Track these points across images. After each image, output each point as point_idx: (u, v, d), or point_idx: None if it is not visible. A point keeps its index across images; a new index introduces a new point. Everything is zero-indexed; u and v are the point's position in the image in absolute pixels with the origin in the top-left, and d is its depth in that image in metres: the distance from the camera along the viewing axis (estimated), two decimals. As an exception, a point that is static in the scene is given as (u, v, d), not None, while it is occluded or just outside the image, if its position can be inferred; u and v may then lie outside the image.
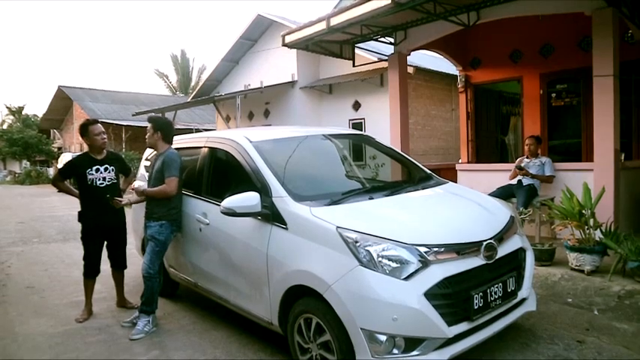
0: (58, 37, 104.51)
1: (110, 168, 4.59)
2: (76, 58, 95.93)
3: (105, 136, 4.60)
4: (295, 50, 11.88)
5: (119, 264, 4.81)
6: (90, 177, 4.49)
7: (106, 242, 4.70)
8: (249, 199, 3.29)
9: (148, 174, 4.61)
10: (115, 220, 4.62)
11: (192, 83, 36.05)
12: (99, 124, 4.59)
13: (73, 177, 4.67)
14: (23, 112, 39.62)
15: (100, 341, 3.96)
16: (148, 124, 4.41)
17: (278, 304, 3.21)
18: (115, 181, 4.66)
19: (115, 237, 4.70)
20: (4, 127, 37.25)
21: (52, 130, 36.14)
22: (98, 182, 4.52)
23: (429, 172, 4.33)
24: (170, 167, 4.15)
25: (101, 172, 4.53)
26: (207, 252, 4.08)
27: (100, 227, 4.56)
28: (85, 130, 4.52)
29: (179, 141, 4.89)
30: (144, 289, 4.19)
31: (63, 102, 29.63)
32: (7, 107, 39.53)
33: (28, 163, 37.87)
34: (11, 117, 38.80)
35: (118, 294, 4.90)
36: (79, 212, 4.62)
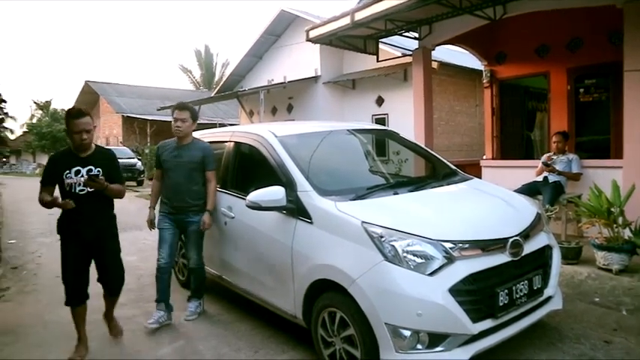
0: (85, 33, 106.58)
1: (95, 170, 3.45)
2: (102, 53, 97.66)
3: (86, 137, 3.42)
4: (318, 45, 11.88)
5: (109, 288, 3.75)
6: (68, 181, 3.42)
7: (93, 260, 3.65)
8: (274, 193, 3.33)
9: (168, 161, 4.22)
10: (100, 230, 3.58)
11: (216, 78, 36.30)
12: (85, 119, 3.42)
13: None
14: (51, 107, 40.45)
15: (126, 330, 4.04)
16: (182, 113, 4.15)
17: (302, 298, 3.24)
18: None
19: (101, 253, 3.62)
20: (33, 121, 38.08)
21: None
22: (77, 188, 3.43)
23: (454, 167, 4.30)
24: (211, 160, 4.23)
25: (82, 176, 3.42)
26: (232, 245, 4.13)
27: (80, 240, 3.51)
28: (66, 121, 3.49)
29: (204, 135, 4.96)
30: (194, 279, 4.34)
31: (89, 96, 30.18)
32: (35, 102, 40.41)
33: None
34: (40, 112, 39.67)
35: (105, 317, 3.94)
36: (58, 220, 3.59)
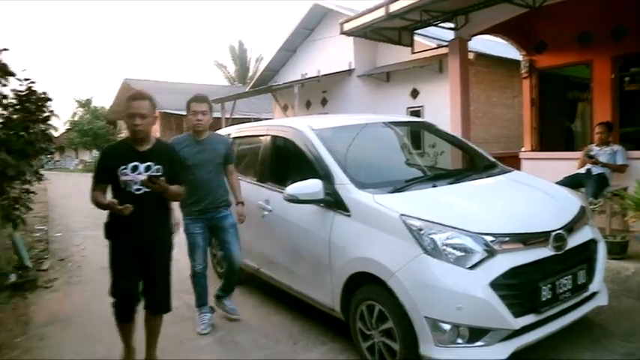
0: (123, 32, 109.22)
1: (155, 167, 3.05)
2: (141, 52, 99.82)
3: (139, 123, 2.99)
4: (352, 38, 11.82)
5: (155, 304, 3.19)
6: (123, 178, 2.99)
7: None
8: (311, 186, 3.34)
9: (191, 158, 3.85)
10: (155, 236, 3.16)
11: (250, 73, 36.60)
12: (142, 102, 3.02)
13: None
14: (91, 105, 41.63)
15: (167, 322, 4.13)
16: (202, 105, 3.89)
17: (340, 291, 3.25)
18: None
19: (152, 263, 3.14)
20: (75, 119, 39.31)
21: (118, 121, 37.86)
22: (134, 187, 3.01)
23: (493, 159, 4.22)
24: (233, 153, 4.20)
25: (139, 173, 3.02)
26: (270, 238, 4.17)
27: (134, 247, 3.08)
28: (125, 106, 3.08)
29: (240, 129, 5.02)
30: (232, 275, 4.15)
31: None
32: (77, 100, 41.66)
33: (97, 152, 39.89)
34: (81, 109, 40.89)
35: (147, 348, 3.31)
36: (106, 223, 3.15)
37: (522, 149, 9.29)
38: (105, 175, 3.05)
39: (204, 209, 3.96)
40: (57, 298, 5.04)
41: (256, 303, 4.55)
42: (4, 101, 5.65)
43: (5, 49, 5.24)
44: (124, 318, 3.14)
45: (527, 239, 2.85)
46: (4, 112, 5.74)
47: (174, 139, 4.08)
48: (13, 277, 5.27)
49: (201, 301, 4.09)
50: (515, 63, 10.78)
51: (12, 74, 5.45)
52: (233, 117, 16.91)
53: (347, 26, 8.09)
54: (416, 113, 12.82)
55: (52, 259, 6.66)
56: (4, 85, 5.50)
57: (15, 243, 6.12)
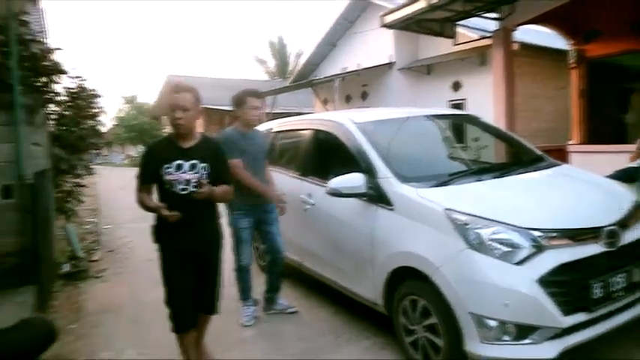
0: (167, 29, 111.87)
1: (200, 166, 2.83)
2: (183, 48, 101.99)
3: (181, 117, 2.79)
4: (392, 31, 11.69)
5: (202, 306, 3.06)
6: (167, 177, 2.79)
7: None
8: (354, 180, 3.33)
9: (248, 151, 3.92)
10: (205, 238, 3.00)
11: (290, 68, 36.81)
12: (184, 94, 2.81)
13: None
14: (136, 101, 42.85)
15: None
16: (259, 100, 3.99)
17: (383, 285, 3.24)
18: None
19: (202, 266, 3.00)
20: (121, 115, 40.57)
21: (162, 117, 38.85)
22: (179, 187, 2.80)
23: (540, 153, 4.10)
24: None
25: (185, 171, 2.80)
26: (312, 232, 4.19)
27: (183, 252, 2.90)
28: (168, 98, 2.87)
29: (282, 124, 5.06)
30: (275, 267, 4.17)
31: (172, 90, 31.52)
32: (124, 97, 42.98)
33: (143, 147, 41.05)
34: (127, 105, 42.15)
35: (195, 346, 3.13)
36: (153, 227, 2.97)
37: (570, 142, 8.98)
38: (149, 174, 2.86)
39: (255, 203, 3.99)
40: (107, 287, 5.23)
41: (299, 296, 4.60)
42: (57, 98, 5.89)
43: (59, 49, 5.46)
44: (180, 328, 2.95)
45: (576, 235, 2.76)
46: (58, 109, 6.00)
47: (225, 133, 4.11)
48: (66, 267, 5.52)
49: (245, 295, 4.14)
50: (561, 53, 10.42)
51: (64, 72, 5.68)
52: (274, 112, 17.06)
53: (388, 18, 8.03)
54: (458, 106, 12.60)
55: (101, 250, 6.92)
56: (57, 83, 5.74)
57: (68, 234, 6.40)
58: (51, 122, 5.90)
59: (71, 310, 4.50)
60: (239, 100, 3.96)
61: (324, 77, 14.85)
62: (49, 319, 2.99)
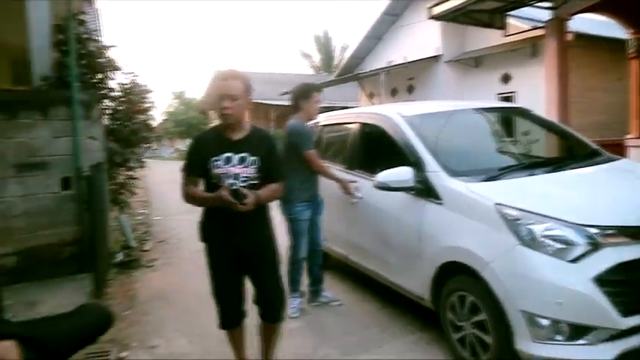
0: (214, 25, 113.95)
1: (251, 159, 2.64)
2: (231, 44, 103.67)
3: (228, 106, 2.59)
4: (439, 23, 11.49)
5: (265, 314, 2.86)
6: (215, 170, 2.61)
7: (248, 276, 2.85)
8: (402, 173, 3.31)
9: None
10: (256, 237, 2.75)
11: (335, 62, 36.83)
12: (231, 82, 2.61)
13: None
14: (184, 96, 43.97)
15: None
16: (319, 94, 4.16)
17: (430, 280, 3.20)
18: (257, 182, 2.65)
19: (257, 268, 2.79)
20: (171, 110, 41.75)
21: (209, 111, 39.72)
22: (227, 181, 2.60)
23: (596, 147, 3.94)
24: None
25: (234, 164, 2.62)
26: (359, 226, 4.18)
27: (232, 251, 2.73)
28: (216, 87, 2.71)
29: (330, 117, 5.07)
30: (316, 258, 4.24)
31: (219, 84, 32.13)
32: (173, 92, 44.25)
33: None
34: (176, 101, 43.32)
35: (263, 354, 2.98)
36: (201, 223, 2.84)
37: (628, 136, 8.57)
38: (196, 166, 2.68)
39: (314, 194, 4.13)
40: (158, 276, 5.41)
41: (346, 289, 4.61)
42: (112, 94, 6.13)
43: (113, 46, 5.68)
44: (227, 325, 2.88)
45: (636, 233, 2.63)
46: (112, 104, 6.24)
47: (295, 125, 4.06)
48: (120, 256, 5.74)
49: (295, 287, 4.17)
50: (618, 43, 9.95)
51: (118, 69, 5.89)
52: (322, 105, 17.09)
53: (435, 10, 7.89)
54: (507, 99, 12.25)
55: (152, 240, 7.16)
56: (112, 79, 5.97)
57: (121, 225, 6.65)
58: (106, 117, 6.14)
59: (125, 298, 4.68)
60: (305, 94, 4.09)
61: (370, 71, 14.75)
62: (105, 305, 3.12)
